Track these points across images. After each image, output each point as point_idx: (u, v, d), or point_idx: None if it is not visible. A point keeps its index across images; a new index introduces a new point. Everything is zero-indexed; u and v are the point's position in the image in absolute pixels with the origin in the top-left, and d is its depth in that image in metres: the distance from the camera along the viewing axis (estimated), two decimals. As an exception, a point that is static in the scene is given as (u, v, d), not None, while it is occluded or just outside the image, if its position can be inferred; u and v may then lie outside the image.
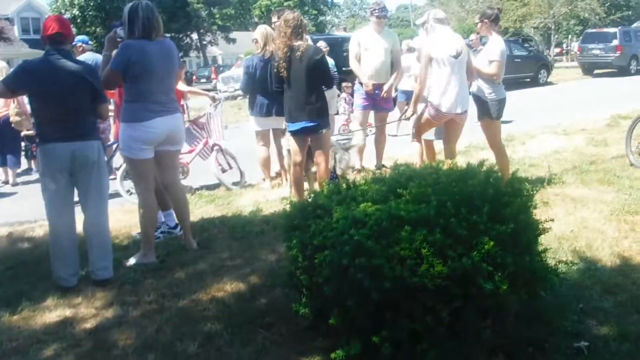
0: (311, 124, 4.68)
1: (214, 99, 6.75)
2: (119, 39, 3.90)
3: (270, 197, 5.82)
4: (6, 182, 7.81)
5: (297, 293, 2.79)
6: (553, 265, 2.67)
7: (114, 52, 3.89)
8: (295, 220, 2.75)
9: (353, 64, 6.54)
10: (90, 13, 30.07)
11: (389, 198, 2.59)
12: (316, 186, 5.27)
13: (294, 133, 4.80)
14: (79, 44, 7.33)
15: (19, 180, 7.87)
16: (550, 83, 20.37)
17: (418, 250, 2.29)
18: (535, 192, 2.65)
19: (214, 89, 22.29)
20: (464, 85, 4.91)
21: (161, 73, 3.88)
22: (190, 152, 6.54)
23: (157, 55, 3.84)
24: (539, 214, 2.69)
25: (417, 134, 5.23)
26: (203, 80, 27.72)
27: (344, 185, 2.84)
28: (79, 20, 29.89)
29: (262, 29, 6.03)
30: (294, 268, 2.73)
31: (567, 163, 6.45)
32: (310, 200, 2.87)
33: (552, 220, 2.74)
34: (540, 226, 2.57)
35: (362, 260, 2.30)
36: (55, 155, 3.60)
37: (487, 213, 2.34)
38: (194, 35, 35.72)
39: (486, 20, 5.18)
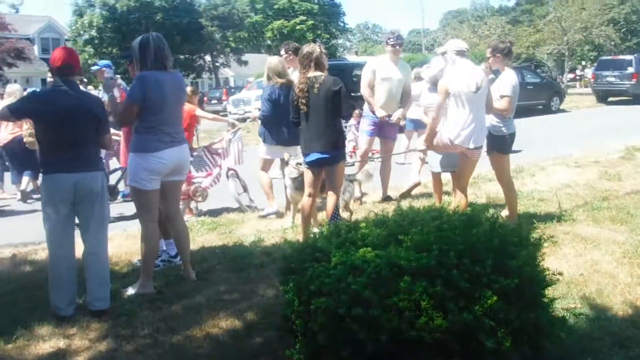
0: (326, 155, 4.64)
1: (233, 125, 6.87)
2: (111, 79, 3.96)
3: (272, 226, 5.74)
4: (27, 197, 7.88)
5: (292, 337, 2.69)
6: (560, 317, 2.55)
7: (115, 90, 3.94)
8: (292, 263, 2.67)
9: (365, 91, 6.51)
10: (107, 35, 30.63)
11: (389, 243, 2.50)
12: (322, 216, 5.22)
13: (309, 164, 4.75)
14: (102, 68, 7.37)
15: (31, 197, 7.88)
16: (563, 110, 20.21)
17: (417, 302, 2.20)
18: (542, 241, 2.53)
19: (224, 111, 22.51)
20: (481, 120, 4.78)
21: (173, 104, 3.91)
22: (207, 175, 6.66)
23: (170, 86, 3.88)
24: (546, 252, 2.57)
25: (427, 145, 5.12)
26: (214, 101, 27.83)
27: (344, 228, 2.76)
28: (96, 42, 30.62)
29: (267, 62, 6.03)
30: (289, 312, 2.64)
31: (579, 198, 6.30)
32: (308, 242, 2.78)
33: (561, 274, 2.60)
34: (547, 278, 2.45)
35: (359, 311, 2.21)
36: (58, 185, 3.58)
37: (491, 265, 2.24)
38: (207, 57, 36.17)
39: (499, 55, 5.09)
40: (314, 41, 43.06)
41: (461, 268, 2.25)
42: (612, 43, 32.28)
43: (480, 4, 65.01)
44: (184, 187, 6.46)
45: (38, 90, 6.27)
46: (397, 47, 6.43)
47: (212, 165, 6.73)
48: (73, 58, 3.70)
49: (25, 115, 3.81)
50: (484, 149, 5.09)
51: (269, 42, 43.78)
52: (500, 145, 5.04)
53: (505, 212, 5.44)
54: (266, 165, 6.18)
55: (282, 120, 5.74)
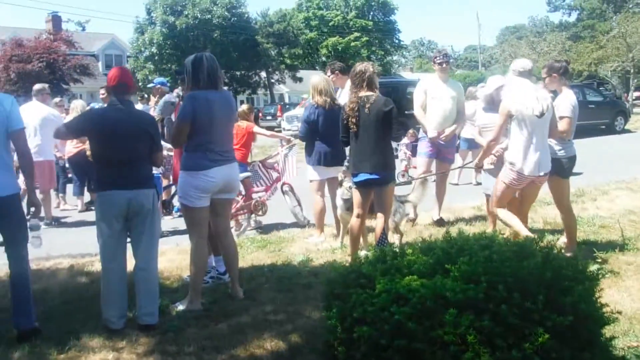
0: (375, 176, 4.59)
1: (289, 141, 7.03)
2: (172, 105, 4.07)
3: (322, 246, 5.72)
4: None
5: (335, 364, 2.64)
6: (620, 357, 2.40)
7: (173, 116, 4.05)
8: (336, 288, 2.63)
9: (418, 113, 6.45)
10: (167, 51, 31.65)
11: (436, 272, 2.43)
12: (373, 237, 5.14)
13: (358, 185, 4.72)
14: (157, 85, 7.63)
15: (91, 209, 8.19)
16: (628, 131, 19.29)
17: (463, 336, 2.11)
18: (600, 276, 2.38)
19: (278, 127, 22.88)
20: (546, 145, 4.59)
21: (222, 123, 3.98)
22: (266, 190, 6.88)
23: (220, 105, 3.94)
24: (607, 284, 2.41)
25: (498, 204, 4.73)
26: (269, 117, 28.29)
27: (390, 253, 2.70)
28: (156, 58, 31.75)
29: (311, 81, 5.99)
30: (332, 338, 2.60)
31: (643, 226, 5.97)
32: (353, 266, 2.74)
33: (620, 312, 2.44)
34: (605, 316, 2.31)
35: (402, 342, 2.15)
36: (112, 202, 3.69)
37: (542, 300, 2.13)
38: (263, 74, 36.85)
39: (555, 75, 4.91)
40: (369, 58, 43.00)
41: (511, 302, 2.15)
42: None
43: (539, 19, 63.43)
44: (244, 201, 6.69)
45: (96, 107, 6.46)
46: (444, 65, 6.35)
47: (268, 179, 6.92)
48: (127, 77, 3.83)
49: (81, 134, 3.98)
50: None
51: (323, 58, 44.20)
52: (559, 168, 4.83)
53: (563, 239, 5.21)
54: (320, 189, 6.02)
55: (322, 140, 5.74)
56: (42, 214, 7.32)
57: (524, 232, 4.38)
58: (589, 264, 2.52)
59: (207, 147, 3.92)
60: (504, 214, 4.68)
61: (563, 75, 4.90)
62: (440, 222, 6.53)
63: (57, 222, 7.71)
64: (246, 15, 33.42)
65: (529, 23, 64.25)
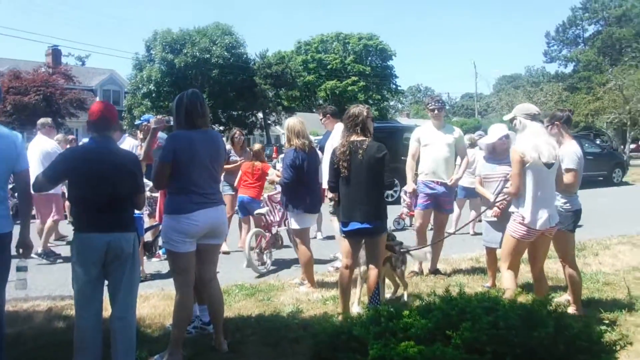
0: (367, 226, 4.35)
1: None
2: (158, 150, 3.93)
3: (313, 296, 5.44)
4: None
5: None
6: None
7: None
8: (323, 352, 2.38)
9: (408, 162, 6.27)
10: (164, 89, 31.66)
11: (435, 338, 2.19)
12: (358, 292, 4.89)
13: (347, 234, 4.47)
14: (144, 122, 7.48)
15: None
16: (626, 183, 19.25)
17: (467, 415, 1.86)
18: (618, 347, 2.15)
19: (274, 168, 22.79)
20: (554, 195, 4.38)
21: (206, 163, 3.77)
22: (279, 224, 6.95)
23: (203, 144, 3.75)
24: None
25: (508, 263, 4.40)
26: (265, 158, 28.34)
27: (385, 314, 2.46)
28: (153, 95, 31.78)
29: (286, 123, 5.80)
30: (319, 408, 2.33)
31: (649, 284, 5.73)
32: (343, 327, 2.50)
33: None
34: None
35: (398, 420, 1.89)
36: (90, 245, 3.45)
37: (555, 377, 1.89)
38: (259, 114, 36.94)
39: (558, 123, 4.76)
40: (366, 102, 43.30)
41: (520, 378, 1.91)
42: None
43: (535, 70, 64.60)
44: (267, 236, 6.68)
45: (73, 147, 6.28)
46: (437, 112, 6.17)
47: (276, 213, 6.98)
48: (110, 113, 3.61)
49: (62, 178, 3.70)
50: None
51: (321, 101, 44.65)
52: (564, 222, 4.63)
53: (566, 296, 4.98)
54: (305, 237, 5.76)
55: (306, 186, 5.55)
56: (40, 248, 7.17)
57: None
58: (604, 332, 2.28)
59: (189, 188, 3.71)
60: (507, 276, 4.38)
61: (566, 124, 4.76)
62: (436, 273, 6.27)
63: (50, 257, 7.39)
64: (245, 55, 33.69)
65: (526, 73, 65.53)
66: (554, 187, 4.34)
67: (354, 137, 4.41)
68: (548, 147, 4.22)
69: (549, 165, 4.20)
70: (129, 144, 7.34)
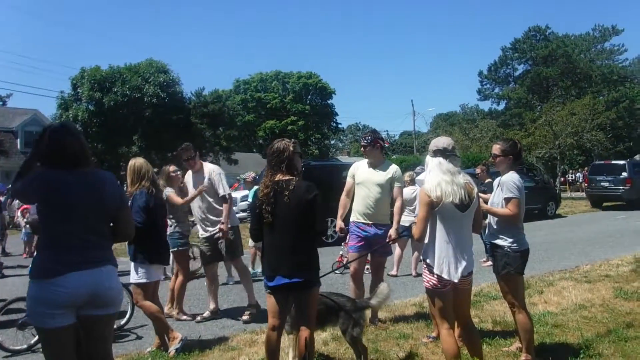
0: (295, 280, 3.68)
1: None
2: None
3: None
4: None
5: None
6: None
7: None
8: None
9: (341, 199, 5.76)
10: (93, 130, 29.35)
11: None
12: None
13: (273, 290, 3.79)
14: None
15: None
16: (560, 215, 19.57)
17: None
18: None
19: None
20: (467, 241, 3.80)
21: (82, 212, 2.95)
22: None
23: (82, 187, 2.96)
24: None
25: (439, 318, 3.79)
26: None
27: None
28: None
29: (132, 164, 5.15)
30: None
31: (599, 324, 5.36)
32: None
33: None
34: None
35: None
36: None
37: None
38: (196, 155, 35.67)
39: (511, 157, 4.33)
40: (306, 141, 42.99)
41: None
42: (602, 148, 32.62)
43: (469, 107, 67.02)
44: None
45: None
46: (368, 148, 5.65)
47: None
48: None
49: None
50: (490, 269, 4.22)
51: (260, 141, 44.01)
52: (512, 264, 4.19)
53: (517, 344, 4.52)
54: (147, 293, 5.03)
55: (157, 233, 5.05)
56: None
57: None
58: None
59: (58, 244, 2.89)
60: (443, 337, 3.75)
61: (517, 158, 4.38)
62: (374, 323, 5.62)
63: None
64: (180, 94, 32.17)
65: (461, 111, 67.81)
66: (469, 232, 3.81)
67: (279, 177, 3.78)
68: (459, 187, 3.69)
69: (462, 208, 3.69)
70: None
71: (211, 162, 37.63)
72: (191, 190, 6.34)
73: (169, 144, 30.97)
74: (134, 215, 4.66)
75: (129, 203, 4.74)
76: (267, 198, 3.72)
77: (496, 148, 4.44)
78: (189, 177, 6.49)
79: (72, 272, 2.84)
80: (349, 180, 5.76)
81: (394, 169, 5.67)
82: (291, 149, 3.85)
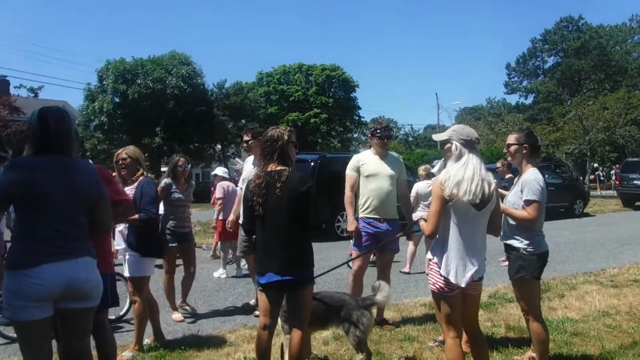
0: (286, 278, 3.42)
1: None
2: None
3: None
4: None
5: None
6: None
7: None
8: None
9: (347, 196, 5.34)
10: (118, 121, 29.90)
11: None
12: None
13: (265, 287, 3.54)
14: None
15: None
16: (588, 214, 18.85)
17: None
18: None
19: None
20: (482, 243, 3.44)
21: (54, 201, 2.78)
22: None
23: (53, 175, 2.79)
24: None
25: (445, 324, 3.42)
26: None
27: None
28: (106, 127, 29.97)
29: (131, 151, 4.81)
30: None
31: (624, 334, 4.93)
32: None
33: None
34: None
35: None
36: None
37: None
38: (218, 146, 35.55)
39: (526, 146, 3.95)
40: (329, 134, 42.51)
41: None
42: (636, 144, 31.49)
43: (496, 101, 65.59)
44: None
45: None
46: (386, 140, 5.32)
47: None
48: None
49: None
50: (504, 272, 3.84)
51: (282, 133, 43.65)
52: (527, 268, 3.81)
53: (530, 353, 4.15)
54: (142, 287, 4.70)
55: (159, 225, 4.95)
56: None
57: None
58: None
59: (32, 234, 2.75)
60: (447, 346, 3.41)
61: (534, 149, 3.98)
62: (382, 324, 5.32)
63: None
64: (202, 86, 32.12)
65: (487, 104, 66.39)
66: (484, 233, 3.44)
67: (271, 167, 3.53)
68: (479, 184, 3.27)
69: (478, 207, 3.31)
70: None
71: (232, 154, 37.80)
72: (248, 171, 5.75)
73: (191, 136, 31.09)
74: (147, 206, 4.49)
75: (139, 191, 4.52)
76: (258, 189, 3.48)
77: (510, 137, 4.08)
78: (248, 163, 6.02)
79: (45, 264, 2.72)
80: (352, 174, 5.38)
81: (400, 159, 5.36)
82: (286, 137, 3.60)
